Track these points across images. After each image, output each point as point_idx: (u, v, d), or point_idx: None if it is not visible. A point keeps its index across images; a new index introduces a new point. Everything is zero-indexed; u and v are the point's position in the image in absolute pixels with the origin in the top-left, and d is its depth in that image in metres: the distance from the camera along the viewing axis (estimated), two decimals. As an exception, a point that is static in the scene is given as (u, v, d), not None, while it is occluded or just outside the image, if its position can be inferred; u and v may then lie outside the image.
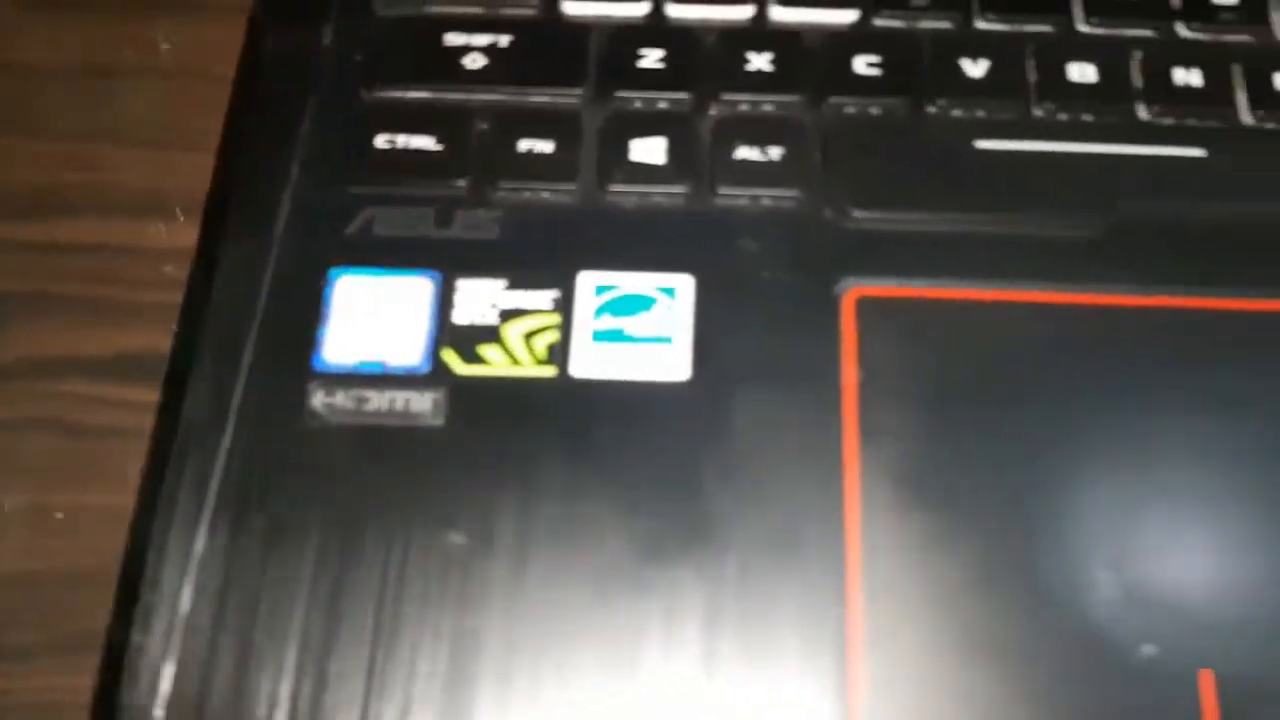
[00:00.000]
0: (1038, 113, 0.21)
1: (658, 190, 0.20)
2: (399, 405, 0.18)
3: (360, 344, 0.19)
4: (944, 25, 0.22)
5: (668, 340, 0.19)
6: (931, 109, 0.21)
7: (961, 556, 0.17)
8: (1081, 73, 0.21)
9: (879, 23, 0.22)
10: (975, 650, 0.16)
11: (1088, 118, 0.21)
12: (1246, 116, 0.21)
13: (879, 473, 0.17)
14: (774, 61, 0.21)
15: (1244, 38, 0.22)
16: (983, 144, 0.20)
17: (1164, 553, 0.17)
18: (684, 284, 0.19)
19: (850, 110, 0.21)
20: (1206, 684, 0.16)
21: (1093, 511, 0.17)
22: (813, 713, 0.16)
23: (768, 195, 0.20)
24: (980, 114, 0.21)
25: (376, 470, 0.18)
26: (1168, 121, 0.21)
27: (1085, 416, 0.18)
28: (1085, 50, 0.21)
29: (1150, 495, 0.18)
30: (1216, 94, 0.21)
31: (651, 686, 0.16)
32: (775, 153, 0.20)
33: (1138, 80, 0.21)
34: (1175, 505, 0.17)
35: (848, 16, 0.22)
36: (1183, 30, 0.22)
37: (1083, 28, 0.22)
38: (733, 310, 0.19)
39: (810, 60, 0.21)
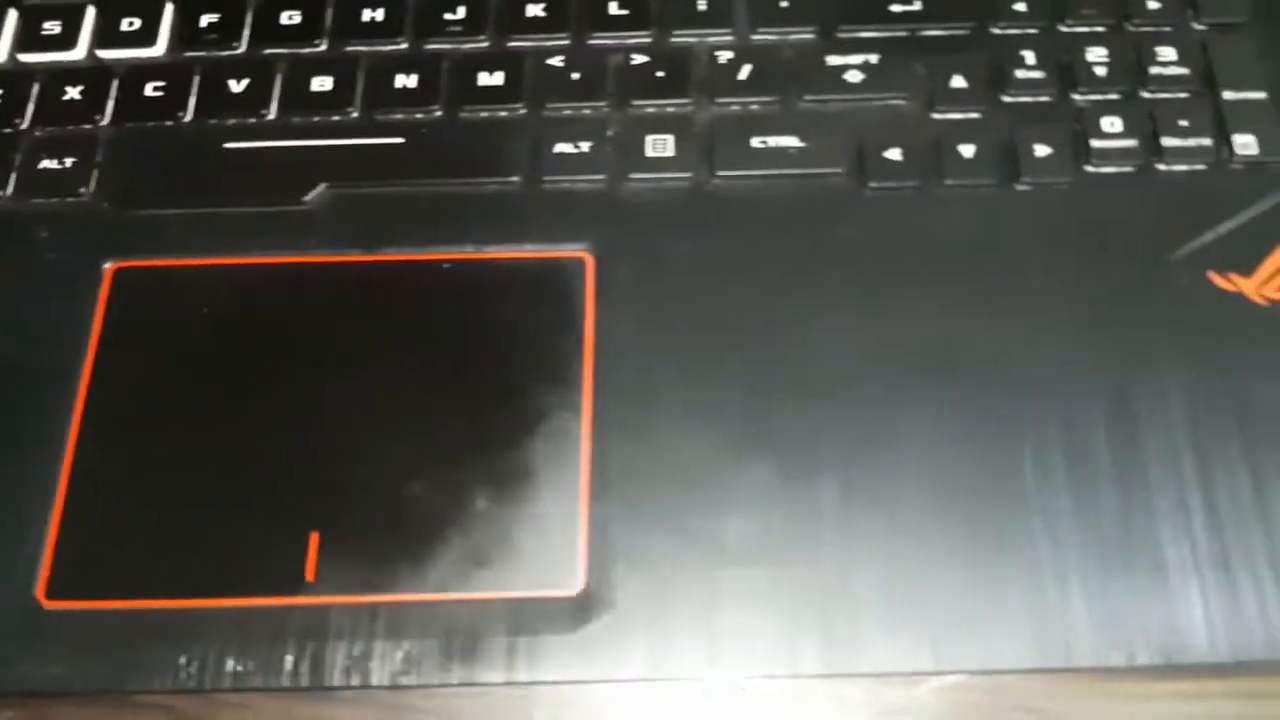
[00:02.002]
0: (270, 116, 0.27)
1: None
2: None
3: None
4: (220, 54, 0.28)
5: None
6: (186, 118, 0.27)
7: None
8: (320, 84, 0.28)
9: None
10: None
11: (319, 119, 0.27)
12: (439, 112, 0.27)
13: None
14: (83, 92, 0.27)
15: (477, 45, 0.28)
16: (231, 145, 0.27)
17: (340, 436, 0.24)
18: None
19: (130, 125, 0.27)
20: (314, 542, 0.23)
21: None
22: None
23: (61, 198, 0.26)
24: (230, 121, 0.27)
25: None
26: (381, 118, 0.27)
27: (316, 350, 0.25)
28: (325, 66, 0.28)
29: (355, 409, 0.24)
30: (422, 95, 0.27)
31: None
32: (69, 162, 0.27)
33: (361, 87, 0.28)
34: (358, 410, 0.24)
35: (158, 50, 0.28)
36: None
37: (405, 45, 0.28)
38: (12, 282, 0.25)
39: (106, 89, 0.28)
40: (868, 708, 0.23)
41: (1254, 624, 0.22)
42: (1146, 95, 0.27)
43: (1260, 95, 0.27)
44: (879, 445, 0.24)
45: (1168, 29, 0.28)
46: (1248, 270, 0.25)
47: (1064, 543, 0.23)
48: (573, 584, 0.22)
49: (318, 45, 0.28)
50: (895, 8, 0.28)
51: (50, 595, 0.23)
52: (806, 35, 0.28)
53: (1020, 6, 0.28)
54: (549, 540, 0.23)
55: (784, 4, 0.28)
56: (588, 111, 0.27)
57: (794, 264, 0.26)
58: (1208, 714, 0.23)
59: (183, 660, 0.22)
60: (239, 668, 0.22)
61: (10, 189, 0.27)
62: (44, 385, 0.24)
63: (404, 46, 0.28)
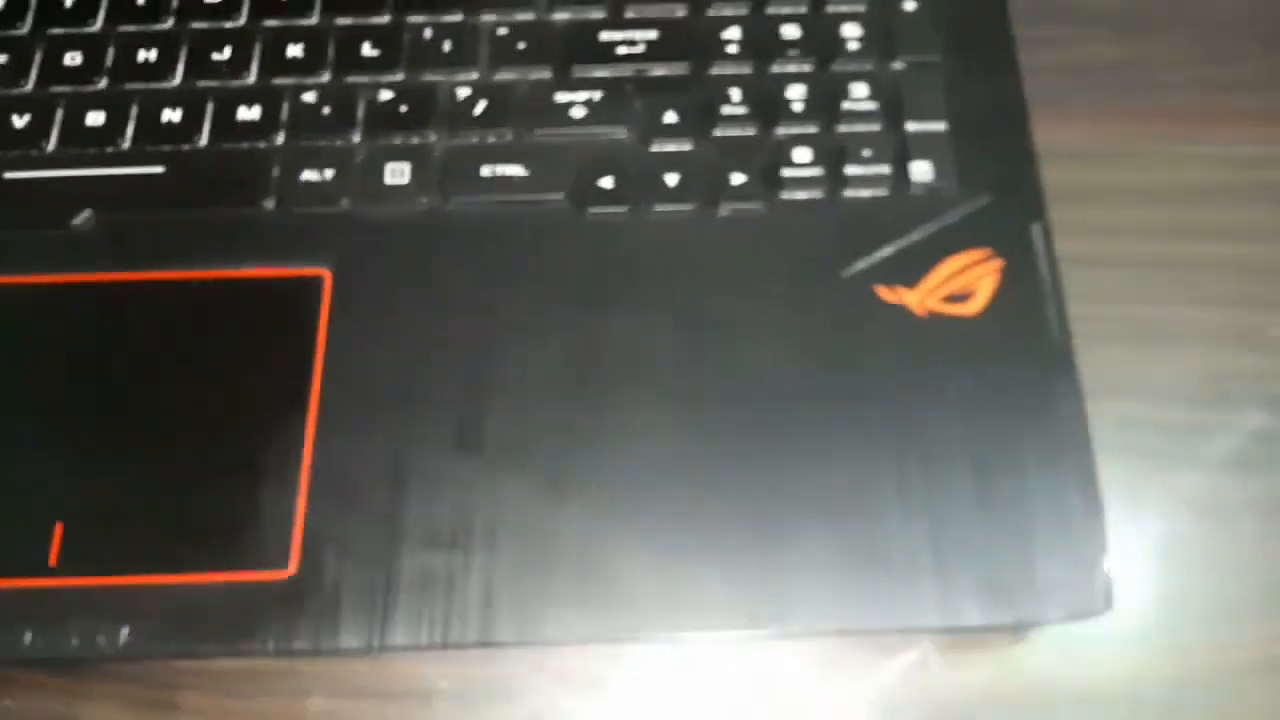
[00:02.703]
0: (50, 149, 0.30)
1: None
2: None
3: None
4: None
5: None
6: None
7: None
8: (95, 118, 0.30)
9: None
10: None
11: (94, 151, 0.30)
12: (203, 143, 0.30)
13: None
14: None
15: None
16: (10, 174, 0.30)
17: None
18: None
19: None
20: (59, 532, 0.26)
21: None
22: None
23: None
24: (13, 153, 0.30)
25: None
26: (149, 149, 0.30)
27: (75, 358, 0.28)
28: (102, 102, 0.30)
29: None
30: (186, 128, 0.30)
31: None
32: None
33: (132, 121, 0.30)
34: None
35: None
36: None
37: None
38: None
39: None
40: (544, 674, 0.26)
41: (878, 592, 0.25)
42: (841, 129, 0.30)
43: (940, 126, 0.30)
44: (577, 441, 0.27)
45: (868, 68, 0.31)
46: (911, 284, 0.29)
47: (729, 525, 0.26)
48: (286, 567, 0.26)
49: (96, 83, 0.31)
50: (622, 50, 0.31)
51: None
52: (542, 74, 0.31)
53: (734, 49, 0.31)
54: (267, 529, 0.26)
55: (521, 46, 0.31)
56: (338, 143, 0.30)
57: (513, 281, 0.29)
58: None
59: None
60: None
61: None
62: None
63: (175, 84, 0.31)
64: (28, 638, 0.25)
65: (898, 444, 0.26)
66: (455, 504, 0.26)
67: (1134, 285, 0.31)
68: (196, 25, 0.32)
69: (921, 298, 0.28)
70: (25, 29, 0.32)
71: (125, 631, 0.25)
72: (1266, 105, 0.33)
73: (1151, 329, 0.30)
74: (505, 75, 0.31)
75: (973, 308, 0.28)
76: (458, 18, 0.32)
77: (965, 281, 0.28)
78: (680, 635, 0.25)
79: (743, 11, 0.32)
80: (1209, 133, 0.33)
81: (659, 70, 0.31)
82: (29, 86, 0.31)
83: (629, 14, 0.32)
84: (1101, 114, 0.33)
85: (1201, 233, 0.32)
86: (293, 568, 0.25)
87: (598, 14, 0.32)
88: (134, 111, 0.31)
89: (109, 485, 0.26)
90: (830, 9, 0.32)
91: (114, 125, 0.30)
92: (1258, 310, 0.31)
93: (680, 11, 0.32)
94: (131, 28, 0.32)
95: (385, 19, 0.32)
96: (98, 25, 0.32)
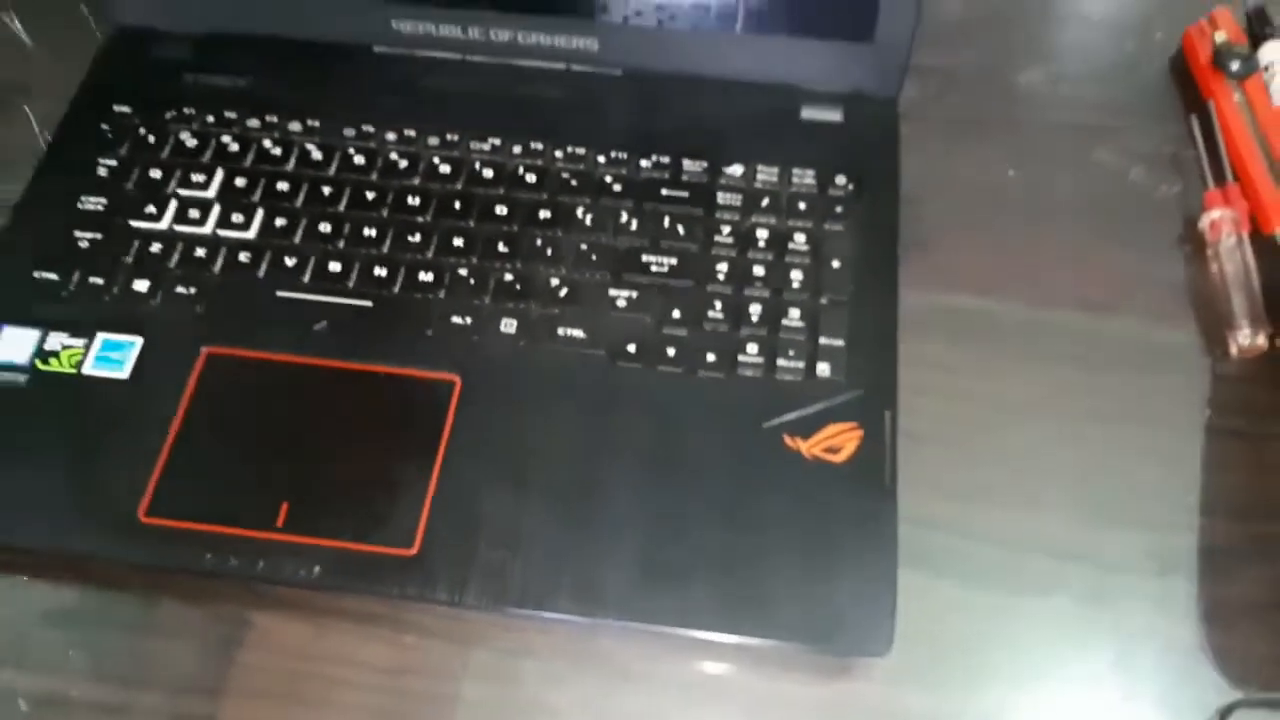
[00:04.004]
0: (306, 280, 0.50)
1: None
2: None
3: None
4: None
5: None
6: (260, 274, 0.50)
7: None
8: (334, 267, 0.50)
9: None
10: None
11: (331, 285, 0.49)
12: (397, 290, 0.50)
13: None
14: (206, 254, 0.50)
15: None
16: (281, 293, 0.49)
17: None
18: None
19: (229, 278, 0.50)
20: (285, 509, 0.44)
21: None
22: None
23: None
24: (284, 281, 0.49)
25: None
26: (360, 288, 0.49)
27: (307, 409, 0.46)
28: (339, 257, 0.50)
29: None
30: (387, 281, 0.50)
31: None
32: (193, 290, 0.49)
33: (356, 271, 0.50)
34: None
35: (252, 234, 0.51)
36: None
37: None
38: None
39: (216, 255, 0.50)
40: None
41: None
42: (780, 336, 0.49)
43: (840, 343, 0.49)
44: (593, 495, 0.45)
45: (803, 299, 0.50)
46: (805, 437, 0.46)
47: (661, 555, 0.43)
48: (411, 547, 0.43)
49: (337, 244, 0.51)
50: (654, 268, 0.51)
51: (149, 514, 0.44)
52: (604, 276, 0.51)
53: (721, 276, 0.51)
54: (403, 523, 0.44)
55: (593, 257, 0.51)
56: (475, 302, 0.50)
57: (566, 397, 0.47)
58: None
59: (209, 556, 0.43)
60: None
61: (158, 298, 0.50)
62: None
63: (385, 252, 0.51)
64: (260, 566, 0.43)
65: (780, 530, 0.44)
66: (508, 522, 0.44)
67: (947, 456, 0.48)
68: (400, 217, 0.53)
69: (809, 447, 0.46)
70: (298, 204, 0.53)
71: (317, 570, 0.43)
72: (1085, 354, 0.51)
73: (958, 488, 0.48)
74: (580, 274, 0.51)
75: (840, 458, 0.46)
76: (559, 234, 0.52)
77: (838, 441, 0.46)
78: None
79: (731, 254, 0.51)
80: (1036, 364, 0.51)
81: (674, 283, 0.51)
82: (297, 240, 0.51)
83: (662, 245, 0.52)
84: (956, 343, 0.51)
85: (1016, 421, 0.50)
86: (415, 549, 0.43)
87: (642, 243, 0.52)
88: (357, 266, 0.51)
89: (316, 486, 0.45)
90: (787, 259, 0.51)
91: (345, 272, 0.51)
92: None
93: (693, 248, 0.51)
94: (359, 213, 0.52)
95: (514, 229, 0.52)
96: (341, 207, 0.53)
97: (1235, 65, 0.57)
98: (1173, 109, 0.59)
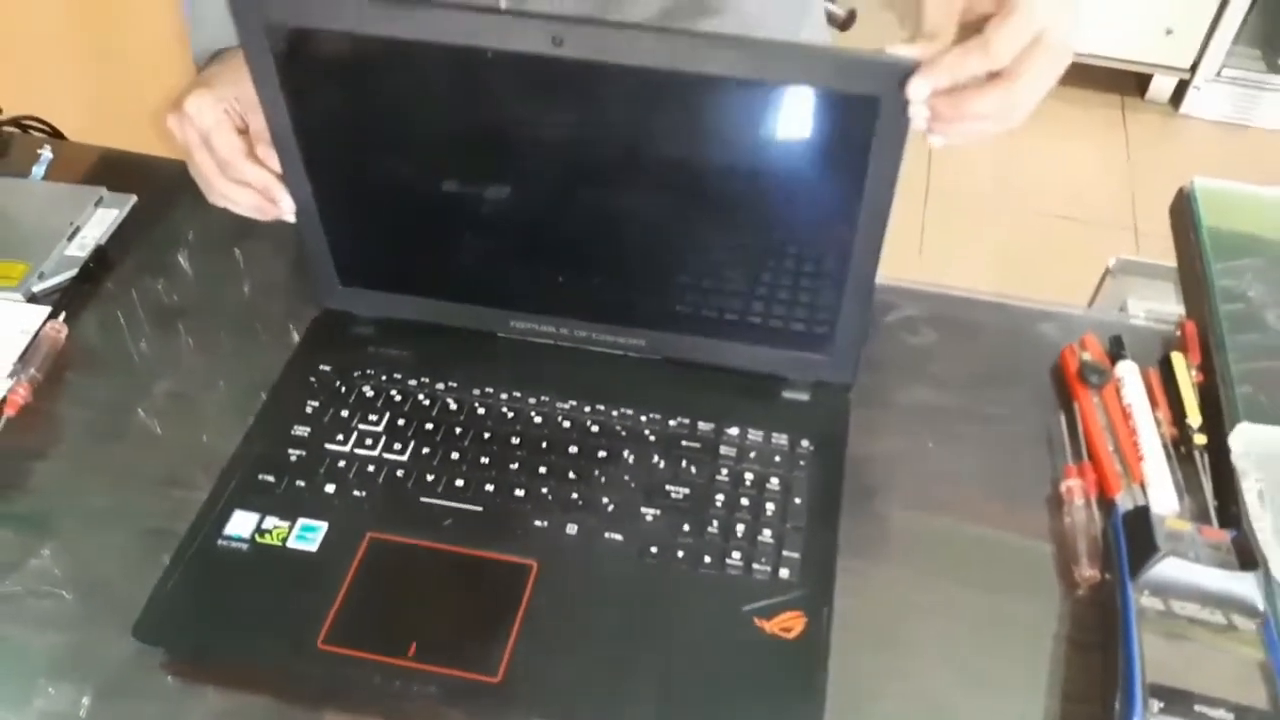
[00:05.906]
0: (440, 491, 0.74)
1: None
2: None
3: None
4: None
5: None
6: (409, 486, 0.74)
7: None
8: (459, 482, 0.73)
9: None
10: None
11: (455, 494, 0.72)
12: (499, 500, 0.74)
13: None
14: (373, 469, 0.74)
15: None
16: (423, 499, 0.72)
17: None
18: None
19: (386, 492, 0.74)
20: (413, 648, 0.65)
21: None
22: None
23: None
24: (425, 490, 0.72)
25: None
26: (475, 497, 0.72)
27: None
28: (461, 475, 0.73)
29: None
30: (492, 495, 0.73)
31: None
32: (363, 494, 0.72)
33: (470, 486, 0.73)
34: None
35: (405, 456, 0.75)
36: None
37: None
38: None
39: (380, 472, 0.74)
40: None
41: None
42: (756, 548, 0.71)
43: (797, 555, 0.71)
44: (621, 636, 0.65)
45: (774, 522, 0.72)
46: (768, 619, 0.66)
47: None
48: (497, 675, 0.64)
49: (462, 468, 0.75)
50: (672, 495, 0.74)
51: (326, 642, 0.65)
52: (637, 497, 0.74)
53: (719, 504, 0.73)
54: (491, 657, 0.65)
55: (633, 485, 0.74)
56: (550, 514, 0.73)
57: (602, 579, 0.69)
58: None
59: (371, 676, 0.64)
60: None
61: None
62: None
63: (492, 473, 0.75)
64: (396, 683, 0.64)
65: (747, 679, 0.64)
66: (563, 665, 0.64)
67: (865, 640, 0.68)
68: (505, 451, 0.78)
69: (771, 627, 0.67)
70: (438, 439, 0.77)
71: (432, 688, 0.64)
72: (972, 573, 0.71)
73: (875, 662, 0.67)
74: (622, 497, 0.74)
75: (792, 635, 0.67)
76: (610, 468, 0.76)
77: (790, 624, 0.67)
78: None
79: (726, 488, 0.75)
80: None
81: (685, 505, 0.74)
82: (435, 463, 0.76)
83: (679, 479, 0.76)
84: (878, 560, 0.72)
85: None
86: (500, 677, 0.64)
87: (666, 477, 0.75)
88: (474, 483, 0.75)
89: (437, 630, 0.67)
90: (764, 495, 0.74)
91: (466, 487, 0.75)
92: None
93: (700, 482, 0.75)
94: (478, 447, 0.78)
95: (581, 463, 0.77)
96: (466, 443, 0.77)
97: (1094, 378, 0.81)
98: (1051, 403, 0.82)
